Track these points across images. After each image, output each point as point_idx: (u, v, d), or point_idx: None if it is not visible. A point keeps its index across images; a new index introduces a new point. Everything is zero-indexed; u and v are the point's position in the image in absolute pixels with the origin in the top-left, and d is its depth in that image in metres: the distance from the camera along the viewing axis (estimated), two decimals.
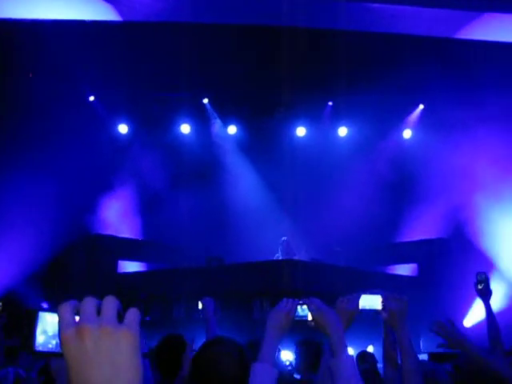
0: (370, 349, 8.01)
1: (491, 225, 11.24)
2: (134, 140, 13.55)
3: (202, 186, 12.22)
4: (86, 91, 12.89)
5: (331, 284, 9.35)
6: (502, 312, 8.79)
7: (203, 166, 13.21)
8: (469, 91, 10.71)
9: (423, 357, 7.80)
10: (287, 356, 6.28)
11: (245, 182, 13.58)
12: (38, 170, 10.16)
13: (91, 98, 13.08)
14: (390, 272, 12.50)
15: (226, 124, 13.95)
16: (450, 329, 3.20)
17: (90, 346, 0.85)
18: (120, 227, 12.69)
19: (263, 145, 13.39)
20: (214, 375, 2.20)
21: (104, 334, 0.86)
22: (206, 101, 13.64)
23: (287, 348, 6.28)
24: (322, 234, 11.88)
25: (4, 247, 10.39)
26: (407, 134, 13.86)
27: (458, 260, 10.71)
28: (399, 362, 2.71)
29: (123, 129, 13.67)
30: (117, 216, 12.58)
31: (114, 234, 12.47)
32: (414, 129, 13.75)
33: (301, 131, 13.99)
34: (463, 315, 10.75)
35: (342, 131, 13.92)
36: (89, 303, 0.90)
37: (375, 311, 2.66)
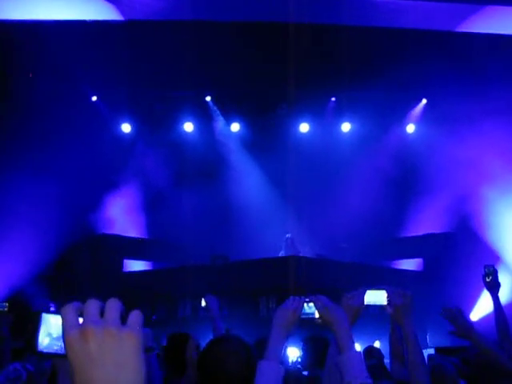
0: (377, 344, 8.00)
1: (497, 218, 11.22)
2: (138, 139, 13.57)
3: (205, 184, 12.22)
4: (89, 91, 12.89)
5: (336, 280, 9.34)
6: (509, 305, 8.76)
7: (207, 163, 13.21)
8: (472, 85, 10.67)
9: (430, 351, 7.79)
10: (295, 353, 6.28)
11: (249, 180, 13.58)
12: (42, 170, 10.18)
13: (94, 98, 13.08)
14: (396, 267, 12.49)
15: (229, 121, 13.95)
16: (459, 316, 3.21)
17: (94, 348, 0.86)
18: (124, 226, 12.71)
19: (266, 142, 13.37)
20: (221, 373, 2.20)
21: (108, 336, 0.87)
22: (208, 98, 13.65)
23: (294, 345, 6.28)
24: (327, 229, 11.89)
25: (9, 248, 10.41)
26: (410, 128, 13.84)
27: (463, 254, 10.69)
28: (405, 356, 2.71)
29: (126, 128, 13.68)
30: (121, 215, 12.61)
31: (118, 233, 12.49)
32: (418, 123, 13.73)
33: (304, 127, 13.98)
34: (469, 309, 10.72)
35: (346, 127, 13.91)
36: (92, 305, 0.91)
37: (381, 307, 2.66)
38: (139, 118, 13.61)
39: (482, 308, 10.42)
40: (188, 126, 13.91)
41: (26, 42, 10.15)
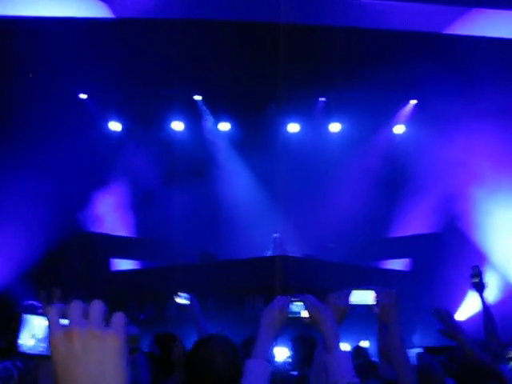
0: (365, 344, 8.02)
1: (484, 218, 11.28)
2: (127, 137, 13.52)
3: (194, 183, 12.22)
4: (78, 89, 12.82)
5: (324, 280, 9.35)
6: (496, 305, 8.82)
7: (196, 163, 13.20)
8: (461, 86, 10.72)
9: (418, 351, 7.82)
10: (284, 353, 6.28)
11: (238, 179, 13.58)
12: (30, 168, 10.13)
13: (83, 96, 13.01)
14: (384, 267, 12.54)
15: (218, 121, 13.93)
16: (448, 318, 3.27)
17: (79, 348, 0.88)
18: (113, 225, 12.67)
19: (256, 141, 13.37)
20: (208, 373, 2.20)
21: (92, 337, 0.90)
22: (198, 98, 13.62)
23: (282, 345, 6.29)
24: (315, 229, 11.92)
25: None
26: (400, 129, 13.88)
27: (451, 254, 10.76)
28: (391, 355, 2.72)
29: (115, 126, 13.62)
30: (110, 213, 12.56)
31: (107, 231, 12.45)
32: (407, 124, 13.78)
33: (293, 127, 13.99)
34: (456, 309, 10.79)
35: (335, 127, 13.93)
36: (76, 307, 0.93)
37: (368, 306, 2.67)
38: (128, 117, 13.55)
39: (468, 308, 10.49)
40: (177, 125, 13.88)
41: (14, 39, 10.08)
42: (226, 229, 12.32)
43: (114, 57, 11.03)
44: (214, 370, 2.20)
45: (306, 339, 4.50)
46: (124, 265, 12.53)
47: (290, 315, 2.29)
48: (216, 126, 13.98)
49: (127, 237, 12.87)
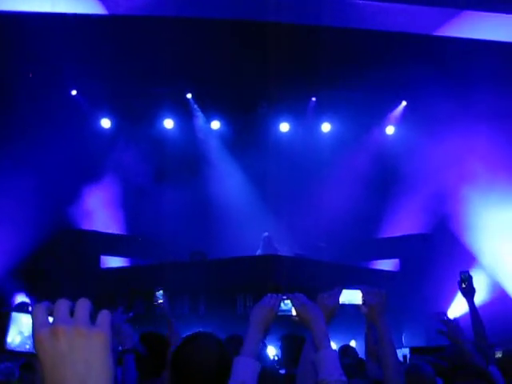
0: (352, 343, 8.04)
1: (474, 219, 11.33)
2: (117, 134, 13.44)
3: (185, 181, 12.19)
4: (69, 85, 12.75)
5: (314, 279, 9.36)
6: (485, 306, 8.87)
7: (187, 161, 13.17)
8: (452, 87, 10.77)
9: (405, 351, 7.86)
10: (272, 351, 6.29)
11: (228, 177, 13.55)
12: (19, 163, 10.08)
13: (73, 92, 12.94)
14: (373, 267, 12.57)
15: (209, 119, 13.90)
16: (452, 321, 3.46)
17: (65, 346, 0.89)
18: (103, 222, 12.61)
19: (247, 140, 13.35)
20: (194, 370, 2.20)
21: (77, 335, 0.90)
22: (189, 96, 13.59)
23: (271, 343, 6.30)
24: (306, 229, 11.93)
25: None
26: (390, 129, 13.91)
27: (440, 255, 10.80)
28: (379, 355, 2.73)
29: (106, 123, 13.56)
30: (100, 210, 12.50)
31: (96, 228, 12.39)
32: (398, 125, 13.80)
33: (284, 127, 13.97)
34: (445, 309, 10.83)
35: (326, 127, 13.92)
36: (62, 304, 0.93)
37: (356, 306, 2.68)
38: (119, 114, 13.49)
39: (457, 309, 10.53)
40: (168, 123, 13.83)
41: (5, 34, 10.03)
42: (216, 227, 12.31)
43: (105, 53, 11.00)
44: (201, 367, 2.20)
45: (294, 338, 4.51)
46: (114, 262, 12.48)
47: (280, 313, 2.29)
48: (207, 124, 13.95)
49: (117, 234, 12.82)
